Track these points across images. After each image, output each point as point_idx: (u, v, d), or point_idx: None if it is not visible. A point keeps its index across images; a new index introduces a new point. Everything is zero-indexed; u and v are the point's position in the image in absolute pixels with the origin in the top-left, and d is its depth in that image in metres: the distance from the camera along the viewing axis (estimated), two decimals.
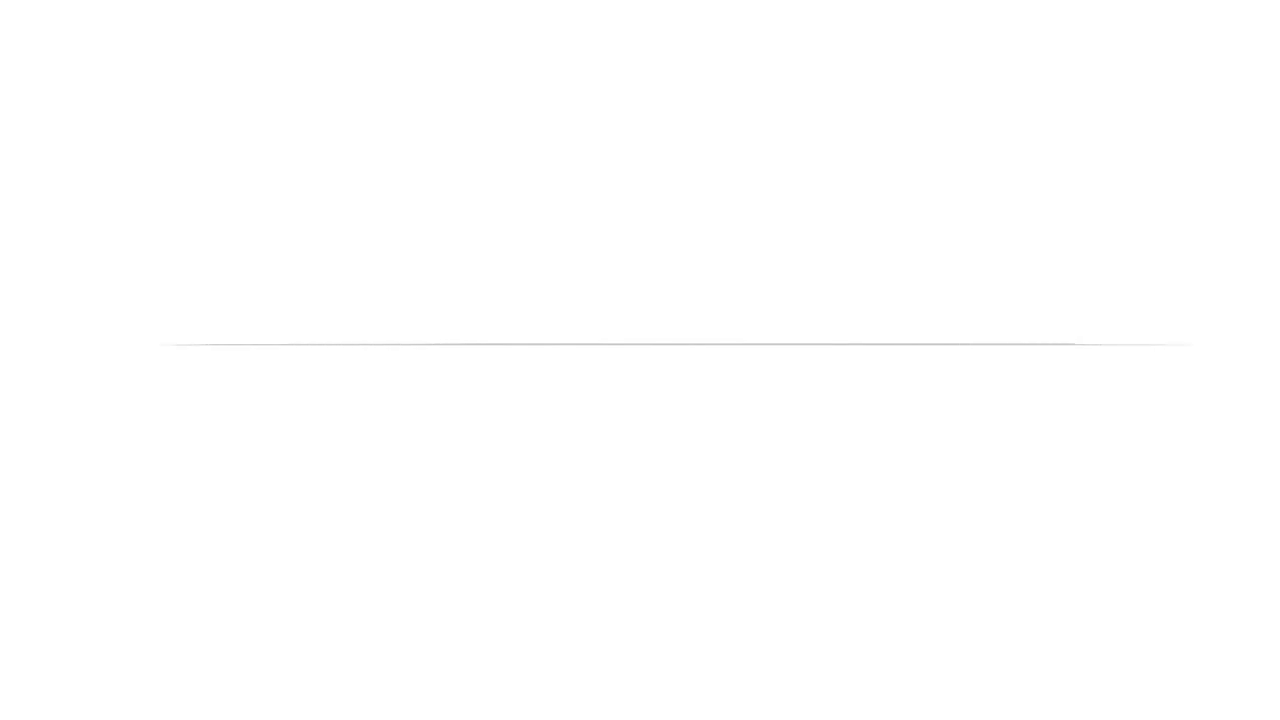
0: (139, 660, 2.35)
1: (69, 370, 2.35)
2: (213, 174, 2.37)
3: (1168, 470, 2.33)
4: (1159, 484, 2.34)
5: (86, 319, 2.36)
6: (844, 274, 2.34)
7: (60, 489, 2.35)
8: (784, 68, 2.36)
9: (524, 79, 2.36)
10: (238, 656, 2.35)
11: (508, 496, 2.35)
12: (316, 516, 2.35)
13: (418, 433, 2.35)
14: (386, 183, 2.36)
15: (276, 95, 2.36)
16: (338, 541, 2.35)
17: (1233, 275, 2.34)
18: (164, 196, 2.37)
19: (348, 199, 2.36)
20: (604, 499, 2.34)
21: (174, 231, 2.37)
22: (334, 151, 2.36)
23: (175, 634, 2.35)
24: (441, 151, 2.36)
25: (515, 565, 2.35)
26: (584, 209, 2.35)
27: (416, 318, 2.36)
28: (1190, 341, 2.34)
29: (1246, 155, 2.34)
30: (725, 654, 2.34)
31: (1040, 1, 2.35)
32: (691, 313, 2.35)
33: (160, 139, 2.37)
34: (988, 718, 2.33)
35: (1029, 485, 2.34)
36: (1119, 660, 2.33)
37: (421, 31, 2.37)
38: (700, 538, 2.34)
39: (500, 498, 2.35)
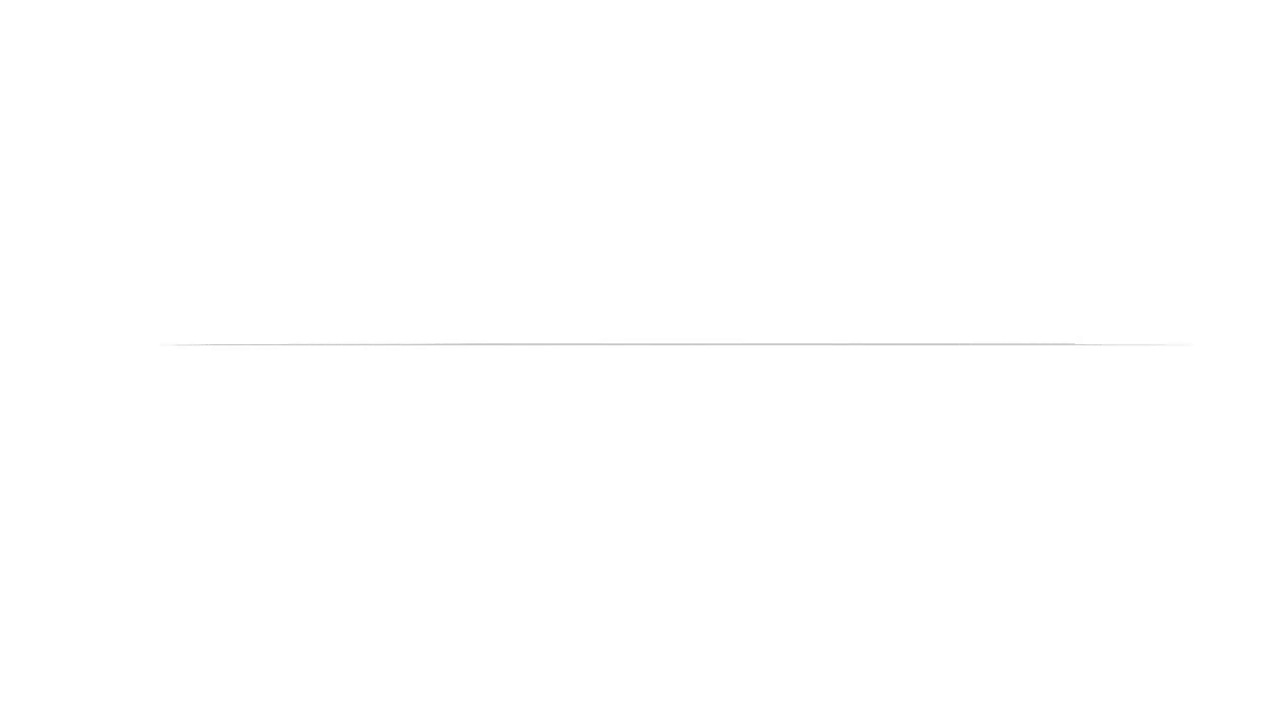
0: (139, 659, 2.35)
1: (69, 370, 2.35)
2: (212, 174, 2.37)
3: (1168, 470, 2.34)
4: (1159, 484, 2.34)
5: (86, 319, 2.36)
6: (844, 274, 2.34)
7: (61, 489, 2.35)
8: (784, 68, 2.36)
9: (524, 79, 2.36)
10: (238, 656, 2.35)
11: (508, 496, 2.35)
12: (316, 516, 2.35)
13: (418, 433, 2.35)
14: (386, 183, 2.36)
15: (276, 95, 2.37)
16: (338, 541, 2.35)
17: (1233, 275, 2.34)
18: (164, 196, 2.37)
19: (347, 199, 2.36)
20: (604, 499, 2.34)
21: (174, 231, 2.37)
22: (333, 152, 2.36)
23: (176, 633, 2.35)
24: (441, 151, 2.36)
25: (515, 565, 2.35)
26: (584, 209, 2.35)
27: (416, 318, 2.36)
28: (1190, 341, 2.34)
29: (1246, 155, 2.34)
30: (725, 653, 2.34)
31: (1040, 2, 2.35)
32: (691, 313, 2.35)
33: (160, 139, 2.37)
34: (988, 718, 2.33)
35: (1029, 485, 2.34)
36: (1119, 659, 2.33)
37: (421, 32, 2.37)
38: (700, 537, 2.34)
39: (500, 498, 2.35)
